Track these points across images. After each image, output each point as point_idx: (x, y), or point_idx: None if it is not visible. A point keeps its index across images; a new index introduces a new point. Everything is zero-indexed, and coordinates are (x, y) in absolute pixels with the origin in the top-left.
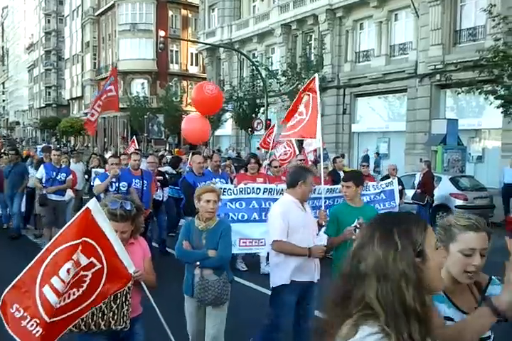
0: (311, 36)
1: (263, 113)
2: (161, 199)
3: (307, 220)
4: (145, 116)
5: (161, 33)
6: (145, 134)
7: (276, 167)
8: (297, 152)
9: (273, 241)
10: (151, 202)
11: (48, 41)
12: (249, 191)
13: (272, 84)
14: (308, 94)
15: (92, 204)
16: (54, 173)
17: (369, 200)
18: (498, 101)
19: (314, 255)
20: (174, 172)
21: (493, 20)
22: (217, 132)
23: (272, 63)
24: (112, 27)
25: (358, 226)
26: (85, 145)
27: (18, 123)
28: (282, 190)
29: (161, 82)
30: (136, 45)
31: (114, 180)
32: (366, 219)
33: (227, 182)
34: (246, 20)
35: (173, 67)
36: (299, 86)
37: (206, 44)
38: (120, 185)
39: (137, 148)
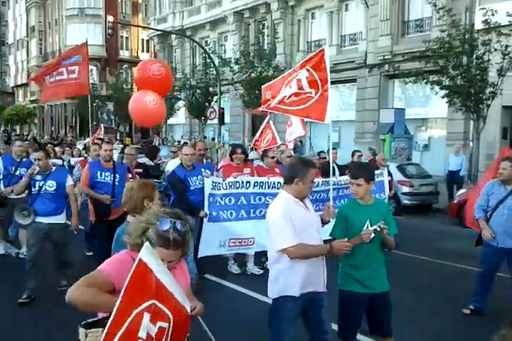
0: (263, 24)
1: (216, 101)
2: None
3: (312, 219)
4: (94, 104)
5: (110, 18)
6: (94, 122)
7: (273, 157)
8: (278, 141)
9: (285, 249)
10: None
11: None
12: (238, 185)
13: (225, 73)
14: (309, 70)
15: (145, 253)
16: (13, 168)
17: (335, 195)
18: (443, 92)
19: (338, 251)
20: (152, 163)
21: (438, 13)
22: (170, 120)
23: (224, 51)
24: (59, 11)
25: (379, 229)
26: (32, 134)
27: None
28: (274, 183)
29: (111, 68)
30: (85, 30)
31: (39, 177)
32: (379, 218)
33: (212, 174)
34: (198, 6)
35: (124, 54)
36: (252, 74)
37: (157, 30)
38: (46, 184)
39: (101, 137)
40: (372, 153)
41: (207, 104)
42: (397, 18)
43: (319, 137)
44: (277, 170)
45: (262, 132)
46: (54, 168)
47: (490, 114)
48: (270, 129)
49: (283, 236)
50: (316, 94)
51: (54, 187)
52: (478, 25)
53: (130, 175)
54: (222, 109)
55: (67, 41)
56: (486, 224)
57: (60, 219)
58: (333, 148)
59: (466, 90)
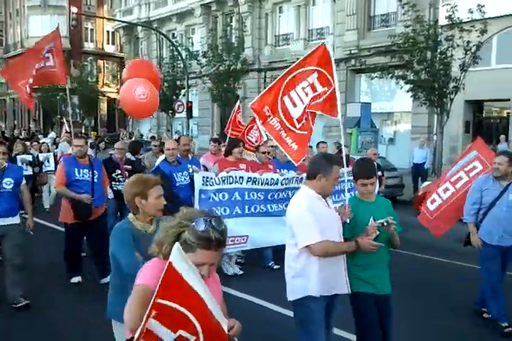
0: (231, 18)
1: (184, 95)
2: None
3: (333, 218)
4: (58, 97)
5: (74, 10)
6: (58, 116)
7: (264, 152)
8: (265, 137)
9: (310, 246)
10: (106, 198)
11: None
12: (231, 180)
13: (193, 66)
14: (319, 70)
15: (175, 255)
16: None
17: (349, 188)
18: (408, 86)
19: (365, 249)
20: (134, 158)
21: (403, 8)
22: None
23: (192, 44)
24: (21, 2)
25: (386, 224)
26: None
27: None
28: (267, 179)
29: (75, 61)
30: (48, 21)
31: None
32: (383, 215)
33: (199, 169)
34: None
35: (88, 46)
36: (220, 67)
37: (123, 22)
38: (3, 182)
39: (68, 131)
40: (337, 147)
41: (174, 97)
42: (364, 12)
43: None
44: (270, 167)
45: (242, 125)
46: (6, 164)
47: (453, 108)
48: (257, 125)
49: (307, 231)
50: (329, 89)
51: (11, 185)
52: (442, 21)
53: (119, 171)
54: (191, 102)
55: (29, 33)
56: (476, 228)
57: (16, 219)
58: (323, 142)
59: (430, 85)
